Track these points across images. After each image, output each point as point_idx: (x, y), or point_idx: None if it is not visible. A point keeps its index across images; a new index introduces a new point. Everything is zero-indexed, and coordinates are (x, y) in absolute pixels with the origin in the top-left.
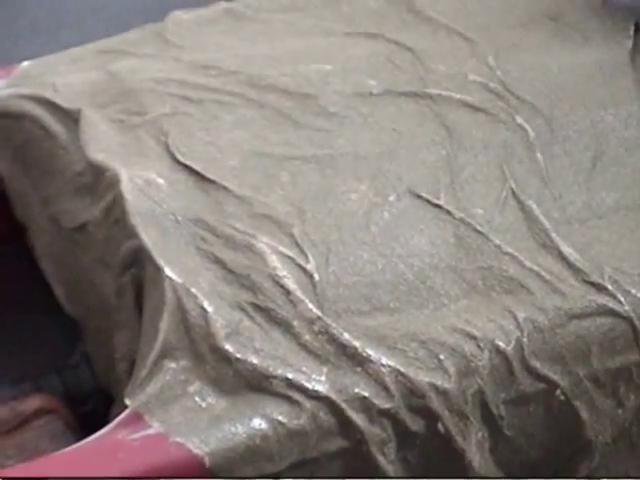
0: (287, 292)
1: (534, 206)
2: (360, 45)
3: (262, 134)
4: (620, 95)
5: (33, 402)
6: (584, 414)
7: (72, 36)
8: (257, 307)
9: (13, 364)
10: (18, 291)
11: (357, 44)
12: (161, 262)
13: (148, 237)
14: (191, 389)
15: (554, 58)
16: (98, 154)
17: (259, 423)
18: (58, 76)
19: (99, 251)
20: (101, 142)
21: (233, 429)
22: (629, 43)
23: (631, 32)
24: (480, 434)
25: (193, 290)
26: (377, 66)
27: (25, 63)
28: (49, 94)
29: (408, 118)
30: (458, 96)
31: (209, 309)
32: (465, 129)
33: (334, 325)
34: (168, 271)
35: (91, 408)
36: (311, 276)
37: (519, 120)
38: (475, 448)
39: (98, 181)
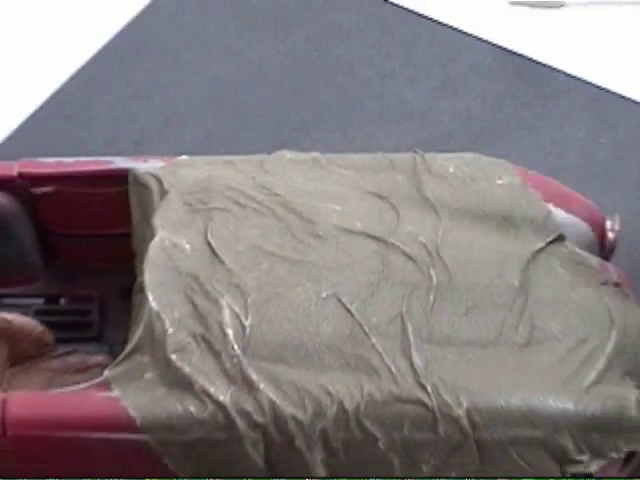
0: (224, 334)
1: (411, 327)
2: (370, 201)
3: (269, 237)
4: (508, 273)
5: (97, 358)
6: (395, 462)
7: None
8: (203, 338)
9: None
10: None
11: (368, 199)
12: (149, 294)
13: (149, 277)
14: (146, 376)
15: (482, 242)
16: (157, 220)
17: (179, 408)
18: (187, 169)
19: None
20: (165, 214)
21: (162, 408)
22: (538, 245)
23: (546, 240)
24: (324, 455)
25: (163, 316)
26: (369, 216)
27: (183, 157)
28: (165, 178)
29: (364, 252)
30: (403, 247)
31: (169, 331)
32: (395, 269)
33: (246, 363)
34: (151, 300)
35: None
36: (245, 329)
37: (432, 272)
38: (319, 463)
39: (151, 237)
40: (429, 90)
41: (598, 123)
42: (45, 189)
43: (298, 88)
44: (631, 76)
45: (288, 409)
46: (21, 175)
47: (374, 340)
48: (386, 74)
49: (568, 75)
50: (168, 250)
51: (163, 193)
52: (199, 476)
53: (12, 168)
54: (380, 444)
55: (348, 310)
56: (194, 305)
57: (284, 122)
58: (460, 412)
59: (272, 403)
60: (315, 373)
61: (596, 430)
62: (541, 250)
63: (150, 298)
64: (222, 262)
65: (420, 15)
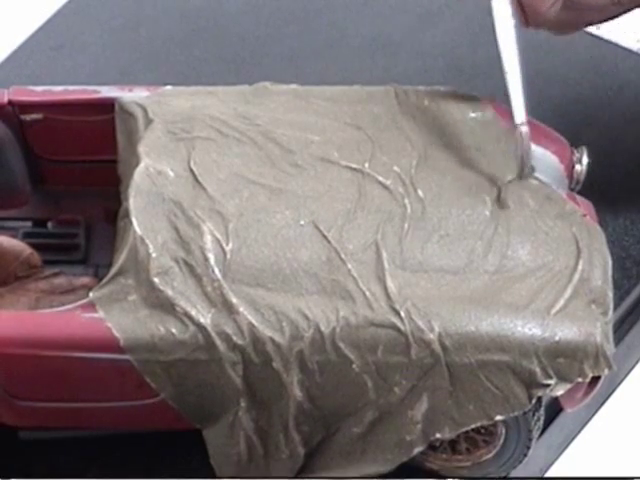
0: (206, 259)
1: (385, 254)
2: (347, 131)
3: (249, 165)
4: (479, 203)
5: (83, 280)
6: (369, 384)
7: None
8: (185, 262)
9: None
10: None
11: (346, 130)
12: (134, 219)
13: (134, 202)
14: (129, 298)
15: (455, 173)
16: (142, 148)
17: (161, 329)
18: (171, 98)
19: None
20: (150, 142)
21: (145, 329)
22: (509, 177)
23: (517, 172)
24: (300, 376)
25: (147, 241)
26: (346, 146)
27: (167, 87)
28: (150, 107)
29: (341, 181)
30: (378, 177)
31: (152, 255)
32: (371, 198)
33: (226, 287)
34: (135, 225)
35: None
36: (226, 254)
37: (406, 201)
38: (296, 383)
39: (136, 164)
40: (406, 24)
41: (572, 60)
42: (34, 116)
43: (278, 21)
44: (613, 21)
45: (266, 331)
46: (11, 102)
47: (350, 266)
48: (364, 7)
49: None
50: (152, 177)
51: (148, 122)
52: (179, 394)
53: (2, 95)
54: (354, 366)
55: (325, 237)
56: (177, 230)
57: (265, 54)
58: (432, 336)
59: (251, 325)
60: (293, 297)
61: (563, 355)
62: (512, 182)
63: (134, 223)
64: (204, 189)
65: None
